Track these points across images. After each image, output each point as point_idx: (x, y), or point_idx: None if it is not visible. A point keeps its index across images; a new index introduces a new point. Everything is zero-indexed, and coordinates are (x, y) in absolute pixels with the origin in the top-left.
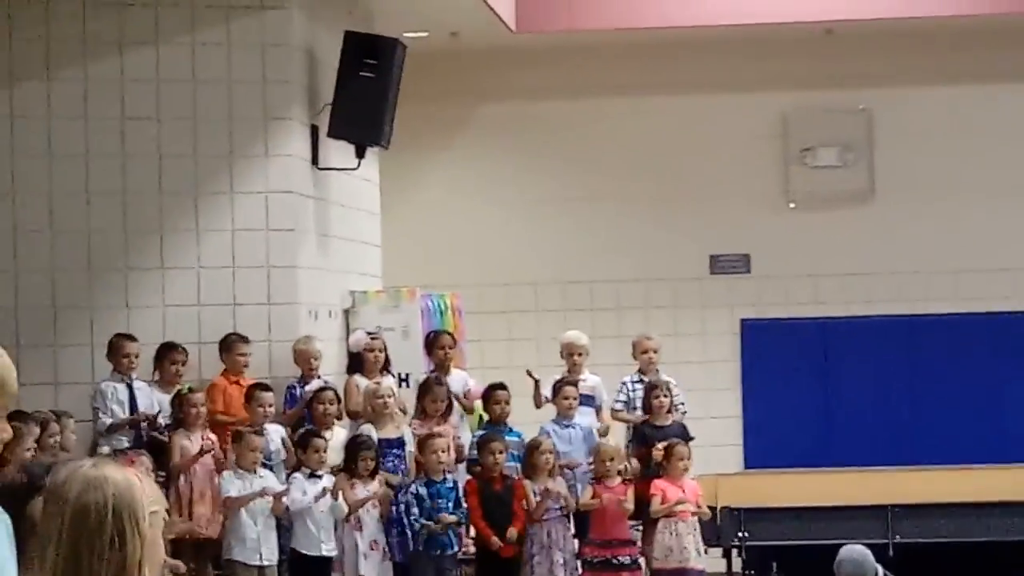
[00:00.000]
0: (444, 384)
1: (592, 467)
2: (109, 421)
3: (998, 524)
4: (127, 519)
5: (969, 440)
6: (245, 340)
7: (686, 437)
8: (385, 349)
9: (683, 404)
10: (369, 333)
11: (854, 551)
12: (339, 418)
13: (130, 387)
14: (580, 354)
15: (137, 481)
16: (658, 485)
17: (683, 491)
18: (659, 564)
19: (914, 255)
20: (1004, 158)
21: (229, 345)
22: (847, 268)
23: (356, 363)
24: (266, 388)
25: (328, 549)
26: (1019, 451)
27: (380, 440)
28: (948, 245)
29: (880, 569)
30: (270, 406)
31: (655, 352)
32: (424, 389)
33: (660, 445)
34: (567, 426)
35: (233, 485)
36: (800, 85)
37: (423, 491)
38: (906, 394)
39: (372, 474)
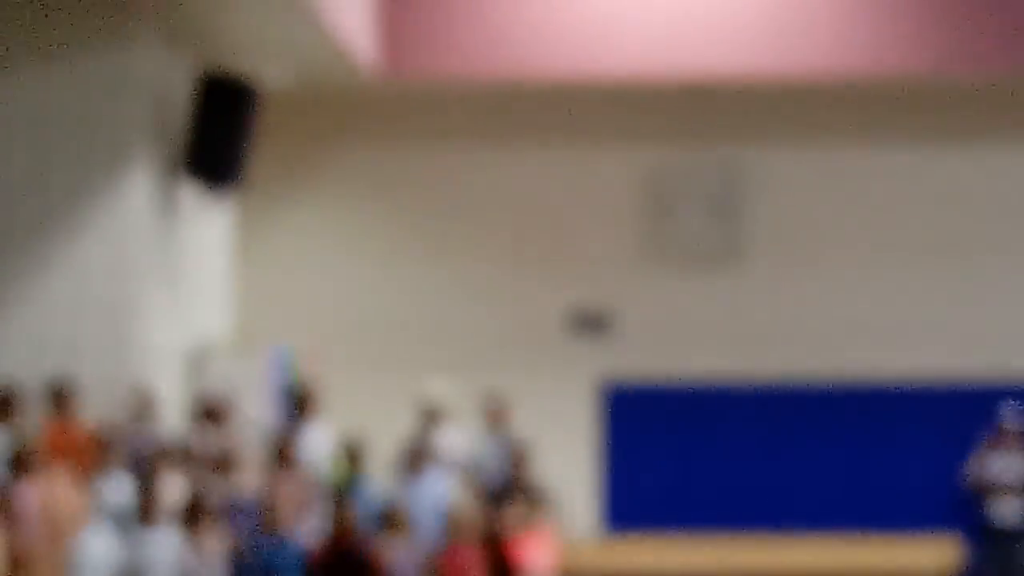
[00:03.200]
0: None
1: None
2: None
3: None
4: None
5: (836, 507)
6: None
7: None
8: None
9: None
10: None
11: None
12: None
13: None
14: (436, 410)
15: None
16: (518, 545)
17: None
18: None
19: (778, 316)
20: (871, 219)
21: (62, 390)
22: (711, 328)
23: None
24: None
25: None
26: (883, 520)
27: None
28: (813, 307)
29: None
30: None
31: (507, 411)
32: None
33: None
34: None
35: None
36: (668, 140)
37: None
38: (770, 458)
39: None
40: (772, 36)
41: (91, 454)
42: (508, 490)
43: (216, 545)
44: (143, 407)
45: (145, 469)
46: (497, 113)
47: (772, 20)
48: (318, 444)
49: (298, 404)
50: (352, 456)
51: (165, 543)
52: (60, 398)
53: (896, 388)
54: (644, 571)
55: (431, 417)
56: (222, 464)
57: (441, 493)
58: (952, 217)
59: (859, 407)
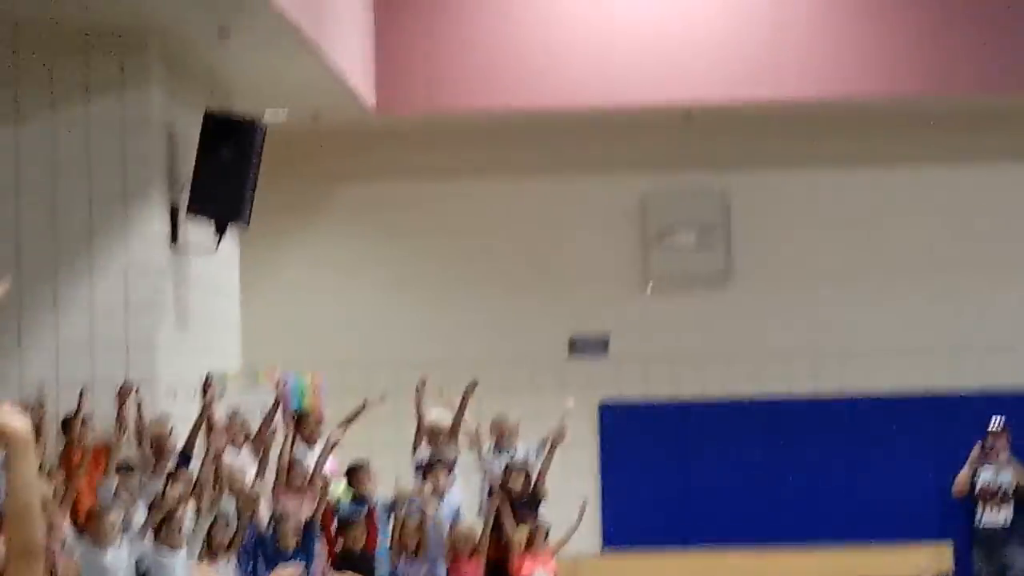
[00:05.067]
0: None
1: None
2: None
3: None
4: None
5: (828, 520)
6: (88, 420)
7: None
8: (246, 428)
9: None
10: (229, 414)
11: None
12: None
13: None
14: (445, 430)
15: None
16: (521, 561)
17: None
18: None
19: (769, 337)
20: (860, 240)
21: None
22: (704, 350)
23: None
24: (131, 468)
25: None
26: (875, 531)
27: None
28: (803, 328)
29: None
30: (134, 486)
31: (512, 431)
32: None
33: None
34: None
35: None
36: (659, 167)
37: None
38: (764, 476)
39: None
40: (758, 64)
41: (99, 466)
42: (512, 507)
43: (230, 572)
44: (160, 442)
45: (161, 499)
46: (494, 146)
47: (758, 48)
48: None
49: (304, 429)
50: (359, 479)
51: (181, 567)
52: (71, 430)
53: (885, 401)
54: None
55: (439, 438)
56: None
57: (450, 511)
58: (936, 235)
59: (849, 421)
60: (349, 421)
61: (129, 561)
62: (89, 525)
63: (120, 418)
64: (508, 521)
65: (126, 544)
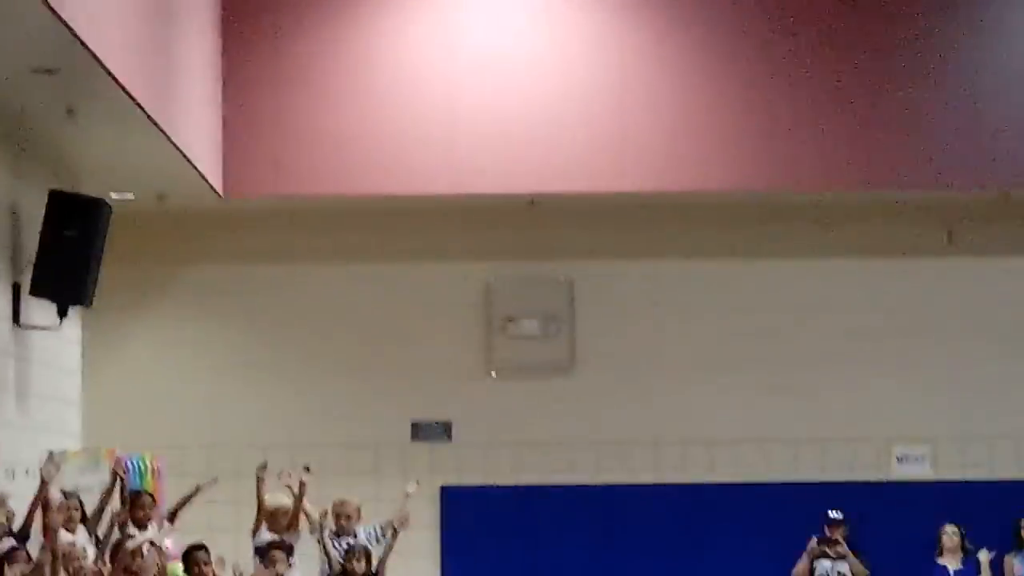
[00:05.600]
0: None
1: None
2: None
3: None
4: None
5: None
6: None
7: None
8: (81, 507)
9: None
10: (63, 492)
11: None
12: None
13: None
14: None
15: None
16: None
17: None
18: None
19: (612, 425)
20: (701, 330)
21: None
22: (547, 436)
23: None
24: None
25: None
26: None
27: None
28: (646, 417)
29: None
30: None
31: (354, 514)
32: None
33: None
34: None
35: None
36: (504, 255)
37: None
38: (605, 562)
39: None
40: (603, 154)
41: None
42: None
43: None
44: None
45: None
46: (341, 231)
47: (604, 138)
48: (164, 548)
49: (138, 511)
50: (196, 560)
51: None
52: None
53: (725, 490)
54: None
55: (280, 521)
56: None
57: None
58: (776, 328)
59: (690, 509)
60: (182, 505)
61: None
62: None
63: None
64: None
65: None
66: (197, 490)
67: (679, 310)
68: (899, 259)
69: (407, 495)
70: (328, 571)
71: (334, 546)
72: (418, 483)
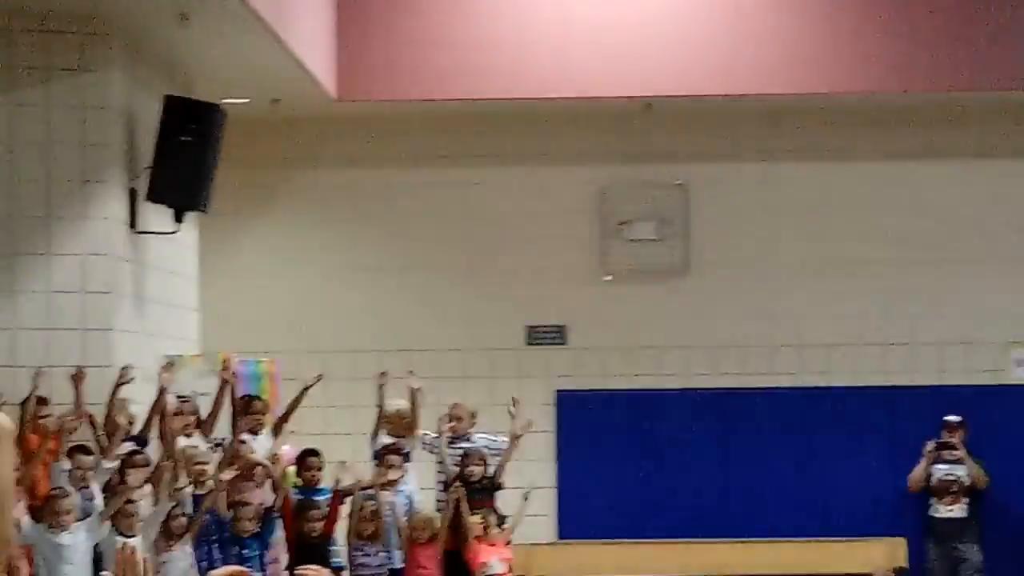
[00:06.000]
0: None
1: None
2: None
3: None
4: None
5: (783, 513)
6: (45, 402)
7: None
8: (197, 412)
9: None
10: (180, 397)
11: None
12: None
13: None
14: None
15: None
16: (475, 548)
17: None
18: None
19: (727, 329)
20: (817, 233)
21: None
22: (662, 341)
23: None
24: (86, 451)
25: None
26: (834, 525)
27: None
28: (761, 320)
29: None
30: (90, 469)
31: (470, 419)
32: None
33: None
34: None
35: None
36: (618, 159)
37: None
38: (720, 467)
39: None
40: (718, 56)
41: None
42: (469, 494)
43: (186, 557)
44: (117, 423)
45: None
46: (453, 135)
47: (719, 41)
48: (280, 454)
49: (251, 417)
50: (309, 466)
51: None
52: (27, 413)
53: (841, 394)
54: None
55: (400, 425)
56: (193, 476)
57: (407, 498)
58: (895, 230)
59: (805, 414)
60: (293, 408)
61: (86, 545)
62: (45, 509)
63: (76, 401)
64: (466, 511)
65: (82, 528)
66: (304, 391)
67: (794, 213)
68: (1021, 159)
69: (516, 409)
70: (445, 476)
71: (449, 452)
72: (516, 402)
